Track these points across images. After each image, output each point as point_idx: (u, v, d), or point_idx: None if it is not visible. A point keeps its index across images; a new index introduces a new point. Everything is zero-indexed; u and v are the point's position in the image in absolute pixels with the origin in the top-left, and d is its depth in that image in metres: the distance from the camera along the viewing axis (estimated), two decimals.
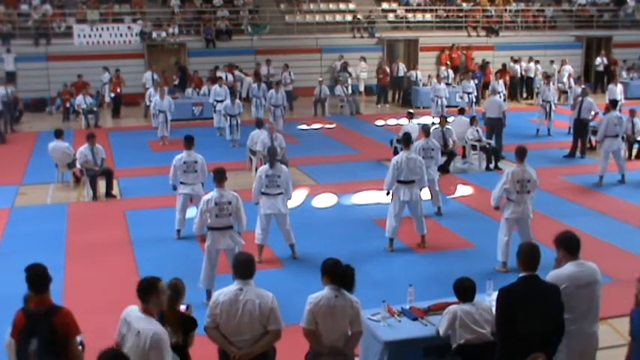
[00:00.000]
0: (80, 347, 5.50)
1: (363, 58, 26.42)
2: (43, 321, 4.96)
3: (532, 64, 26.18)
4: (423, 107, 23.11)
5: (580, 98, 16.74)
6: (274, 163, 9.94)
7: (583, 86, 19.29)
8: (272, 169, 9.89)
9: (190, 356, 5.69)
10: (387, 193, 10.44)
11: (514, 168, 9.53)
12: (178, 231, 11.04)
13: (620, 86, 20.50)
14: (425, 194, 11.19)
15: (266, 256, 9.90)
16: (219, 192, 8.42)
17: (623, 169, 14.36)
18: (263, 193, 9.86)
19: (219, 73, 23.26)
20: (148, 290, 5.01)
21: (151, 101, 19.82)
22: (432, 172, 11.89)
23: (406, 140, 10.62)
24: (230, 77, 23.72)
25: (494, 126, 16.65)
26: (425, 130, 12.79)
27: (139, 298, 5.03)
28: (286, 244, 10.09)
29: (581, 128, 16.59)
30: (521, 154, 9.54)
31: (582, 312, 5.52)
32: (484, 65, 25.81)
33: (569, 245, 5.58)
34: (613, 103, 15.26)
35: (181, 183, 10.96)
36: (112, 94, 22.86)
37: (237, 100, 19.16)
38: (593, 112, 16.53)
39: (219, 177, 8.49)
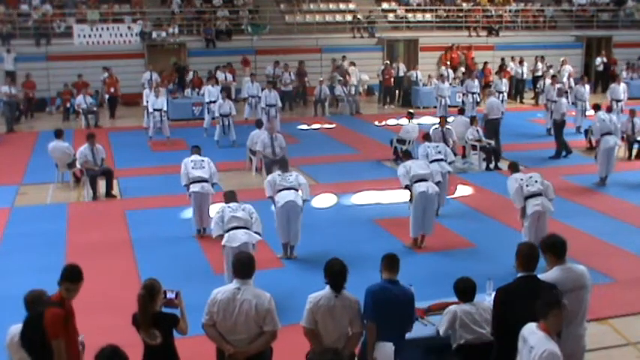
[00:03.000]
0: (80, 347, 5.49)
1: (353, 63, 25.74)
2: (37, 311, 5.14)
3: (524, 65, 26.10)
4: (423, 107, 23.10)
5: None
6: (286, 172, 10.25)
7: (558, 86, 19.12)
8: (283, 174, 10.17)
9: (179, 356, 5.55)
10: (406, 187, 10.37)
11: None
12: (199, 231, 11.01)
13: (623, 85, 20.49)
14: None
15: (266, 256, 9.86)
16: (234, 205, 8.58)
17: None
18: (278, 190, 9.99)
19: (218, 73, 23.22)
20: (545, 308, 4.83)
21: (147, 101, 19.75)
22: (445, 166, 11.84)
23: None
24: (230, 77, 23.69)
25: (495, 126, 16.66)
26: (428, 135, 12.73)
27: (537, 315, 4.86)
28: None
29: (555, 129, 16.77)
30: (512, 167, 10.19)
31: (569, 316, 5.39)
32: (500, 65, 25.58)
33: (555, 250, 5.56)
34: (596, 107, 15.33)
35: (191, 182, 10.89)
36: (107, 95, 22.81)
37: (229, 100, 19.03)
38: (562, 112, 16.47)
39: (230, 196, 8.76)
